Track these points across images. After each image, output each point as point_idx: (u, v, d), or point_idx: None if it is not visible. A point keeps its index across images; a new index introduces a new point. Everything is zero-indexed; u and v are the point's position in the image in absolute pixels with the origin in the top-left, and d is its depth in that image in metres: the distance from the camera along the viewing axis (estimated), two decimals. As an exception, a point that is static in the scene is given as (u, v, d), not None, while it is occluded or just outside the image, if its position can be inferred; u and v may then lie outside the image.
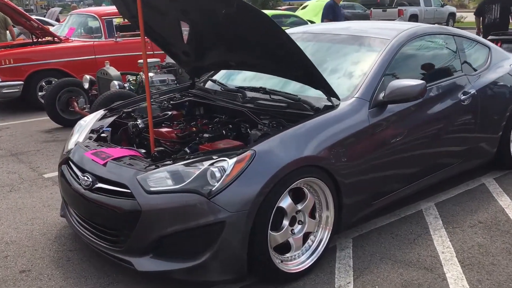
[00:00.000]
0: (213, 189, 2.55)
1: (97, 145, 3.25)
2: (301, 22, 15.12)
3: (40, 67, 7.96)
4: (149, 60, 6.73)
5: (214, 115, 3.67)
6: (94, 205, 2.89)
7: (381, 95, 3.26)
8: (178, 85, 6.67)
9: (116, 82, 6.11)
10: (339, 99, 3.17)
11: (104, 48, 8.52)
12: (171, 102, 3.98)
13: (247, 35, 2.98)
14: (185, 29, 3.61)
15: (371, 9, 29.37)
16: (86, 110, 6.72)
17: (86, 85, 6.70)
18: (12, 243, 3.46)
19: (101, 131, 3.48)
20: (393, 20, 25.03)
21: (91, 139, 3.39)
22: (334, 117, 3.09)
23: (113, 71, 6.39)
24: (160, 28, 3.77)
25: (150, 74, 6.52)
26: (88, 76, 6.69)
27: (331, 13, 9.06)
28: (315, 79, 3.05)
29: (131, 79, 6.59)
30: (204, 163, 2.67)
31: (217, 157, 2.69)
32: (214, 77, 4.26)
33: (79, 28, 9.13)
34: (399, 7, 26.36)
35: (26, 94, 7.95)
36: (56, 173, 4.89)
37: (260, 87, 3.60)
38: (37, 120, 7.42)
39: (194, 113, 3.88)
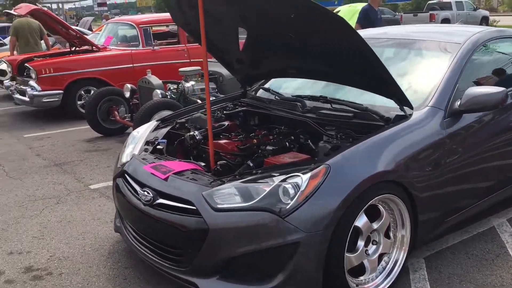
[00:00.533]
0: (287, 207, 2.36)
1: (154, 158, 3.10)
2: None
3: (79, 76, 7.94)
4: (190, 68, 6.62)
5: (272, 125, 3.49)
6: (155, 221, 2.74)
7: (457, 103, 3.03)
8: (218, 93, 6.56)
9: (158, 91, 6.00)
10: (412, 108, 2.95)
11: (141, 57, 8.47)
12: (224, 112, 3.82)
13: (317, 40, 2.80)
14: (241, 36, 3.47)
15: (402, 14, 28.93)
16: (127, 119, 6.65)
17: (127, 94, 6.62)
18: (65, 259, 3.33)
19: (156, 143, 3.33)
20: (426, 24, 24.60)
21: (146, 152, 3.25)
22: (408, 127, 2.87)
23: (155, 80, 6.29)
24: (214, 34, 3.61)
25: (191, 83, 6.41)
26: (129, 85, 6.61)
27: (363, 18, 8.71)
28: (389, 87, 2.84)
29: (171, 88, 6.48)
30: (274, 178, 2.48)
31: (288, 172, 2.50)
32: (266, 86, 4.09)
33: (117, 36, 9.11)
34: (431, 12, 25.92)
35: (65, 103, 7.95)
36: (103, 185, 4.82)
37: (321, 96, 3.41)
38: (77, 129, 7.38)
39: (249, 124, 3.71)
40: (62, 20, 8.49)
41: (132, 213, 2.96)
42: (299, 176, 2.44)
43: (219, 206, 2.47)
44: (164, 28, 10.29)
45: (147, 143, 3.37)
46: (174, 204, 2.66)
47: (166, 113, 5.66)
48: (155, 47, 8.58)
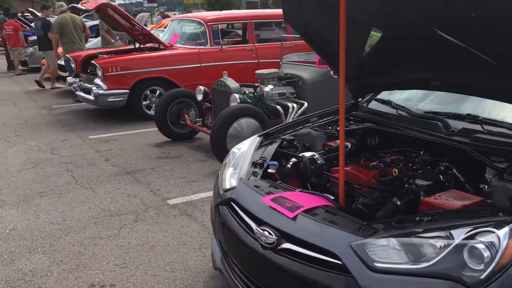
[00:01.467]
0: (480, 277, 1.74)
1: (269, 186, 2.56)
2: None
3: (146, 75, 7.55)
4: (267, 70, 6.09)
5: (405, 149, 2.88)
6: (278, 270, 2.19)
7: None
8: (296, 98, 5.98)
9: (237, 96, 5.48)
10: None
11: (209, 56, 8.01)
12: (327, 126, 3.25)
13: (499, 47, 2.16)
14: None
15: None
16: (199, 123, 6.18)
17: (200, 97, 6.15)
18: (156, 298, 2.85)
19: (265, 165, 2.79)
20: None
21: (256, 176, 2.70)
22: None
23: (232, 83, 5.78)
24: (334, 35, 3.04)
25: (269, 87, 5.87)
26: (202, 88, 6.14)
27: None
28: None
29: (247, 92, 5.95)
30: (453, 232, 1.87)
31: (472, 224, 1.89)
32: (380, 97, 3.49)
33: (183, 34, 8.69)
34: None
35: (130, 103, 7.59)
36: (181, 200, 4.36)
37: (467, 114, 2.78)
38: (143, 131, 6.99)
39: (369, 144, 3.12)
40: (130, 16, 8.13)
41: (244, 253, 2.43)
42: (492, 232, 1.82)
43: (377, 265, 1.89)
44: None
45: (254, 164, 2.83)
46: (307, 252, 2.09)
47: (249, 121, 5.18)
48: (223, 47, 8.09)
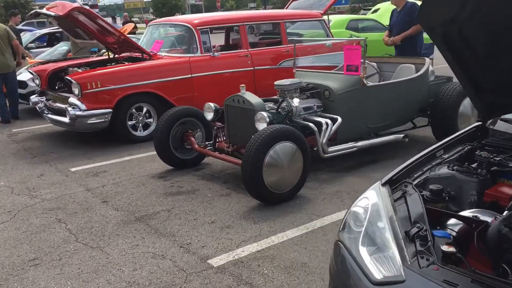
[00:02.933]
0: None
1: (470, 280, 1.62)
2: (378, 26, 13.51)
3: (132, 90, 6.42)
4: (288, 81, 5.18)
5: None
6: None
7: None
8: (324, 112, 5.09)
9: (265, 114, 4.51)
10: None
11: (200, 65, 6.99)
12: (476, 166, 2.36)
13: None
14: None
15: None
16: (209, 147, 5.14)
17: (210, 116, 5.12)
18: None
19: (428, 237, 1.85)
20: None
21: (427, 258, 1.75)
22: None
23: (253, 98, 4.79)
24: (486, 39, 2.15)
25: (296, 101, 4.93)
26: (212, 105, 5.11)
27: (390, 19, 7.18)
28: None
29: (266, 107, 4.97)
30: None
31: None
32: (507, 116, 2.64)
33: (167, 41, 7.59)
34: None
35: (114, 124, 6.43)
36: (226, 257, 3.32)
37: None
38: (135, 158, 5.87)
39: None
40: (106, 21, 6.95)
41: None
42: None
43: None
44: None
45: (408, 236, 1.88)
46: None
47: (285, 145, 4.22)
48: (215, 54, 7.08)
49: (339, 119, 4.92)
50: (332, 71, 5.56)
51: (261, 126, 4.50)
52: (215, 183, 4.88)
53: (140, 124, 6.61)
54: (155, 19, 18.61)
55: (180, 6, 60.15)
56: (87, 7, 7.38)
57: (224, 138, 5.15)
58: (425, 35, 14.41)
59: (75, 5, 6.39)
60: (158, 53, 7.16)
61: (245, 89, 4.87)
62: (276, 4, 48.12)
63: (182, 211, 4.21)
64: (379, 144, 5.27)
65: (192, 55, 6.99)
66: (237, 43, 8.27)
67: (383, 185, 2.25)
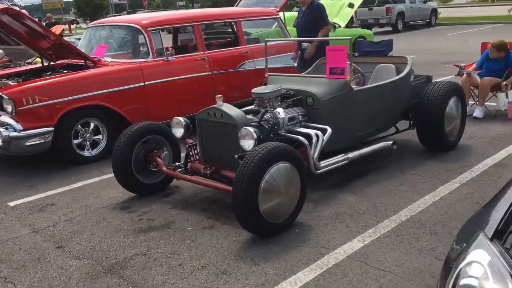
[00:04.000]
0: None
1: None
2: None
3: (76, 104, 5.50)
4: (269, 88, 4.60)
5: None
6: None
7: None
8: (308, 122, 4.50)
9: (251, 130, 3.82)
10: None
11: (154, 71, 6.20)
12: None
13: None
14: None
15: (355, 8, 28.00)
16: (180, 169, 4.37)
17: (180, 133, 4.37)
18: None
19: None
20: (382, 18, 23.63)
21: None
22: None
23: (233, 110, 4.10)
24: None
25: (281, 110, 4.30)
26: (182, 119, 4.36)
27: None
28: None
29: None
30: None
31: None
32: None
33: (112, 45, 6.68)
34: (387, 5, 25.04)
35: (57, 145, 5.47)
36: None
37: None
38: (86, 184, 4.99)
39: None
40: (41, 24, 5.94)
41: None
42: None
43: None
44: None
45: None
46: None
47: (281, 166, 3.57)
48: (169, 58, 6.30)
49: (329, 130, 4.34)
50: (313, 75, 4.96)
51: (248, 143, 3.82)
52: (192, 211, 4.14)
53: (88, 142, 5.70)
54: (76, 20, 17.17)
55: (105, 6, 57.53)
56: (17, 8, 6.31)
57: (197, 158, 4.41)
58: (370, 32, 14.31)
59: (3, 6, 5.36)
60: (103, 59, 6.26)
61: (222, 100, 4.16)
62: (206, 2, 47.07)
63: (161, 254, 3.44)
64: (369, 154, 4.75)
65: (143, 60, 6.16)
66: (190, 45, 7.53)
67: (490, 239, 1.66)
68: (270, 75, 5.18)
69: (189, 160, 4.40)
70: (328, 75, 4.62)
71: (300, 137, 4.16)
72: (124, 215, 4.16)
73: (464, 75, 6.83)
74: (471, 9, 35.80)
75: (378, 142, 4.98)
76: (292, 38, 7.70)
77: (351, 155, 4.54)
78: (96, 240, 3.72)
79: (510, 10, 26.12)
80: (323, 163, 4.28)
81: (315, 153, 4.16)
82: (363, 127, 4.88)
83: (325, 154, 4.34)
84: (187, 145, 4.38)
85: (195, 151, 4.41)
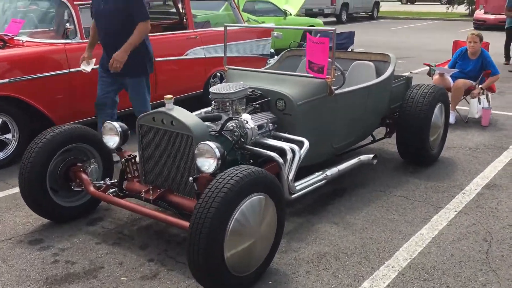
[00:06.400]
0: None
1: None
2: (274, 8, 12.33)
3: (-23, 94, 4.25)
4: (233, 87, 3.58)
5: None
6: None
7: None
8: (279, 132, 3.61)
9: (213, 146, 2.83)
10: None
11: (80, 55, 4.98)
12: None
13: None
14: None
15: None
16: (113, 190, 3.31)
17: (113, 142, 3.31)
18: None
19: None
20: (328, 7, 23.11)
21: None
22: None
23: (187, 117, 3.08)
24: None
25: (247, 117, 3.34)
26: (116, 124, 3.29)
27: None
28: None
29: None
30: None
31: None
32: None
33: (30, 20, 5.39)
34: (331, -4, 24.61)
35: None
36: None
37: None
38: (-14, 203, 3.80)
39: None
40: None
41: None
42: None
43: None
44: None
45: None
46: None
47: (254, 199, 2.64)
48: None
49: (306, 143, 3.46)
50: (284, 72, 4.03)
51: (207, 163, 2.84)
52: (127, 249, 3.12)
53: (-7, 144, 4.48)
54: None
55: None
56: None
57: (136, 175, 3.37)
58: (320, 22, 13.55)
59: None
60: (17, 38, 4.98)
61: (172, 101, 3.14)
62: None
63: (84, 323, 2.42)
64: (348, 170, 3.92)
65: (68, 41, 4.95)
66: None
67: None
68: (230, 68, 4.20)
69: (125, 178, 3.35)
70: (307, 68, 3.73)
71: (272, 154, 3.24)
72: (34, 254, 3.06)
73: (437, 76, 6.19)
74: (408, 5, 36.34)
75: (355, 155, 4.17)
76: (259, 25, 6.74)
77: (329, 172, 3.68)
78: (-11, 298, 2.63)
79: (448, 8, 26.50)
80: (299, 184, 3.40)
81: (290, 173, 3.26)
82: (342, 137, 4.05)
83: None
84: (123, 159, 3.33)
85: (134, 167, 3.36)
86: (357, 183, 4.19)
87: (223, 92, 3.46)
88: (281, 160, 3.21)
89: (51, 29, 5.33)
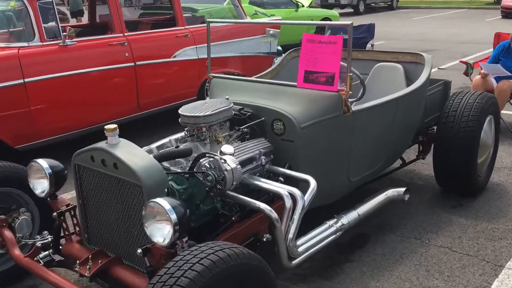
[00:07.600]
0: None
1: None
2: (285, 0, 11.31)
3: None
4: (210, 105, 2.60)
5: None
6: None
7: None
8: (272, 165, 2.63)
9: (167, 207, 1.85)
10: None
11: (40, 61, 4.12)
12: None
13: None
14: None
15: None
16: (46, 255, 2.36)
17: (41, 188, 2.37)
18: None
19: None
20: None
21: None
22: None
23: (135, 156, 2.11)
24: None
25: (228, 151, 2.33)
26: (45, 164, 2.34)
27: None
28: None
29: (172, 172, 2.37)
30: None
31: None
32: None
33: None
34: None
35: None
36: None
37: None
38: None
39: None
40: None
41: None
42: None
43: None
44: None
45: None
46: None
47: None
48: (67, 41, 4.23)
49: (312, 183, 2.47)
50: (284, 82, 3.01)
51: (159, 233, 1.88)
52: None
53: None
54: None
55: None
56: None
57: (77, 230, 2.43)
58: (335, 13, 12.47)
59: None
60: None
61: (117, 132, 2.17)
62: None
63: None
64: (370, 214, 2.92)
65: (24, 44, 4.05)
66: (105, 24, 5.44)
67: None
68: (214, 77, 3.22)
69: (62, 234, 2.42)
70: (299, 83, 2.73)
71: (262, 205, 2.26)
72: None
73: (478, 77, 5.12)
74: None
75: (378, 185, 3.17)
76: (249, 20, 5.78)
77: (345, 220, 2.69)
78: None
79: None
80: (302, 242, 2.42)
81: (290, 230, 2.29)
82: (362, 168, 3.04)
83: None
84: (56, 211, 2.38)
85: (75, 220, 2.43)
86: (381, 224, 3.20)
87: (197, 114, 2.49)
88: (275, 216, 2.23)
89: (3, 30, 4.44)
